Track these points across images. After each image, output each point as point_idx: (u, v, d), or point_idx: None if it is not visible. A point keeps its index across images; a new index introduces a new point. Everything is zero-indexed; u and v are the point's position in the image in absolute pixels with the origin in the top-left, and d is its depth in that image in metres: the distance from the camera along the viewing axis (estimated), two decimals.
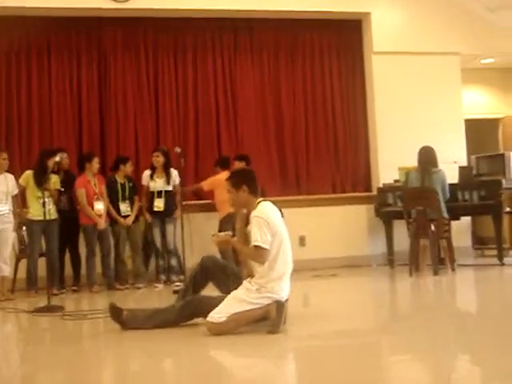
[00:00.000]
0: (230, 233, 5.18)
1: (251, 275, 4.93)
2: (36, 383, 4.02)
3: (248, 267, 5.02)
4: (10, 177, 7.56)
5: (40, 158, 7.70)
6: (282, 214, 5.12)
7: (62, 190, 7.71)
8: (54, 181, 7.56)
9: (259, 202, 4.92)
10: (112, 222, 8.04)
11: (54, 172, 7.61)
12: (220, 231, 7.95)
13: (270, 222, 4.77)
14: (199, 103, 9.15)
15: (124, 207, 8.03)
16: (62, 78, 8.82)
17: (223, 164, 8.53)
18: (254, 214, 4.81)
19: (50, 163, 7.56)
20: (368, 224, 9.26)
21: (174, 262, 8.04)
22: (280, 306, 4.77)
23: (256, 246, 4.74)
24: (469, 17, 9.62)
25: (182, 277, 7.67)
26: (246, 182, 4.95)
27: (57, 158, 7.20)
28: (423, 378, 3.70)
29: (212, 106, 9.17)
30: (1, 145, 8.40)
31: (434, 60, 9.53)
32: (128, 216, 8.04)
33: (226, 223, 7.82)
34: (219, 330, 4.73)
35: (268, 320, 4.77)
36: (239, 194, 4.96)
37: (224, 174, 8.29)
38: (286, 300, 4.89)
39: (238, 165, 8.25)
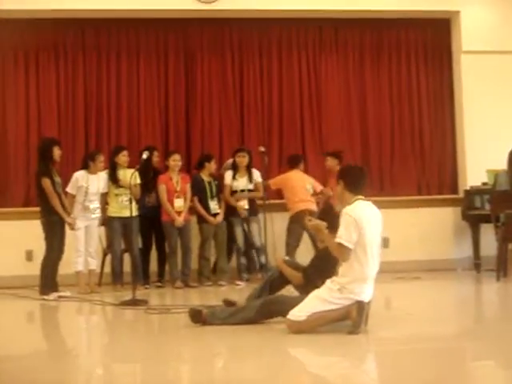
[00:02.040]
0: (326, 224, 5.15)
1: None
2: (117, 374, 4.12)
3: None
4: (103, 176, 7.78)
5: (110, 156, 7.96)
6: None
7: (139, 183, 7.77)
8: (133, 177, 7.47)
9: (356, 199, 4.89)
10: (199, 220, 8.15)
11: (138, 169, 7.65)
12: (288, 230, 8.02)
13: (359, 221, 4.72)
14: (284, 102, 9.19)
15: (213, 205, 8.12)
16: (149, 78, 9.04)
17: (290, 162, 8.49)
18: (344, 210, 4.80)
19: (118, 160, 7.78)
20: (454, 227, 9.04)
21: (263, 259, 8.09)
22: (361, 306, 4.72)
23: (339, 243, 4.72)
24: None
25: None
26: (343, 178, 4.99)
27: (144, 156, 7.35)
28: None
29: (296, 105, 9.19)
30: (87, 141, 8.72)
31: None
32: (217, 214, 8.13)
33: (295, 222, 7.84)
34: (299, 329, 4.74)
35: (348, 320, 4.74)
36: (337, 187, 5.06)
37: (292, 173, 8.31)
38: (369, 302, 4.83)
39: (331, 161, 8.34)
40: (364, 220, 4.76)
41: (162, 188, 7.97)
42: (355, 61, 9.38)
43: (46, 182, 7.14)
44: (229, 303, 5.67)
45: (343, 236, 4.70)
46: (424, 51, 9.49)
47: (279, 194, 8.89)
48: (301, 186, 8.21)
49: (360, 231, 4.72)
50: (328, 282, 4.84)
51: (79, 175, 7.62)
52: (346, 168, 5.27)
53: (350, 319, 4.72)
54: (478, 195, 8.60)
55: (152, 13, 8.76)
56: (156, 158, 8.21)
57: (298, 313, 4.77)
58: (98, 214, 7.68)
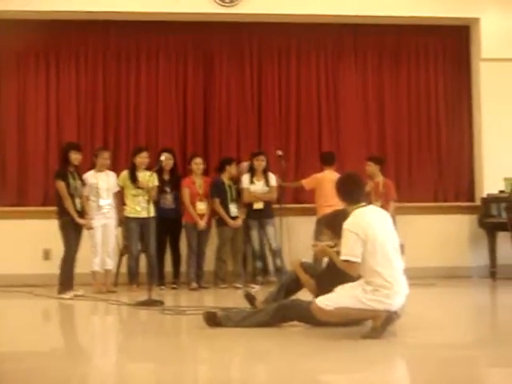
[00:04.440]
0: (331, 243, 5.18)
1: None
2: (132, 374, 4.15)
3: None
4: (112, 174, 7.90)
5: (130, 157, 8.07)
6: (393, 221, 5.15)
7: (157, 185, 7.85)
8: (151, 179, 7.61)
9: (357, 207, 4.90)
10: (218, 222, 8.19)
11: (156, 171, 7.64)
12: (315, 232, 7.98)
13: (362, 232, 4.71)
14: (301, 107, 9.20)
15: (233, 208, 8.16)
16: (168, 80, 9.08)
17: (326, 160, 8.43)
18: (344, 226, 4.80)
19: (136, 161, 7.86)
20: (470, 235, 9.01)
21: (279, 262, 8.11)
22: (389, 318, 4.74)
23: (345, 260, 4.74)
24: None
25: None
26: (339, 190, 5.07)
27: (161, 158, 7.46)
28: None
29: (314, 109, 9.19)
30: (107, 144, 8.78)
31: None
32: (236, 217, 8.15)
33: (322, 224, 7.82)
34: (322, 316, 4.81)
35: (369, 322, 4.78)
36: (340, 200, 5.10)
37: (325, 174, 8.25)
38: (395, 312, 4.82)
39: (373, 167, 8.30)
40: (367, 227, 4.75)
41: (186, 191, 8.04)
42: (374, 67, 9.37)
43: (60, 185, 7.33)
44: (250, 297, 5.77)
45: (347, 252, 4.72)
46: (443, 58, 9.46)
47: (296, 197, 8.93)
48: (332, 189, 8.11)
49: (366, 240, 4.70)
50: (362, 281, 4.80)
51: (87, 174, 7.75)
52: (339, 180, 5.23)
53: (373, 322, 4.74)
54: (494, 203, 8.59)
55: (172, 16, 8.80)
56: (169, 160, 8.12)
57: (327, 302, 4.79)
58: (112, 213, 7.77)
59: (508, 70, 9.09)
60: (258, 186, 8.23)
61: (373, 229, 4.77)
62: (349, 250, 4.71)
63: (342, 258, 4.74)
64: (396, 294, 4.76)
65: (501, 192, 8.65)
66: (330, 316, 4.78)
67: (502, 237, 8.37)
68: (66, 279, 7.28)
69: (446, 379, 3.77)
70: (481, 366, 4.26)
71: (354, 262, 4.70)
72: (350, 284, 4.83)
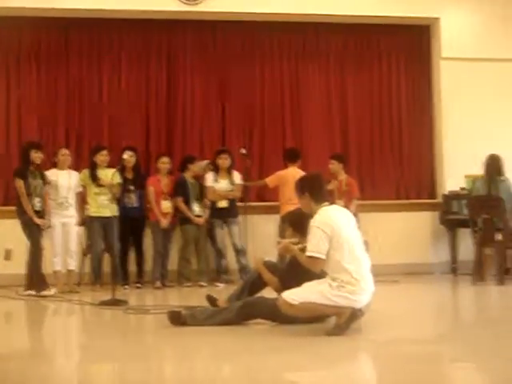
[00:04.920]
0: (296, 240, 5.19)
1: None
2: (96, 374, 4.11)
3: None
4: (74, 174, 7.86)
5: (90, 155, 8.04)
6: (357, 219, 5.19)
7: (120, 182, 7.80)
8: (114, 176, 7.51)
9: (322, 206, 4.93)
10: (181, 221, 8.16)
11: (119, 169, 7.65)
12: (280, 229, 7.99)
13: (327, 228, 4.73)
14: (265, 106, 9.23)
15: (195, 207, 8.14)
16: (131, 79, 9.04)
17: (289, 157, 8.41)
18: (311, 223, 4.82)
19: (97, 159, 7.84)
20: (432, 231, 9.14)
21: (244, 260, 8.11)
22: (354, 315, 4.76)
23: (310, 256, 4.75)
24: None
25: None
26: (308, 189, 5.00)
27: (124, 156, 7.46)
28: None
29: (278, 108, 9.23)
30: (69, 143, 8.70)
31: (507, 67, 9.31)
32: (200, 216, 8.13)
33: (286, 222, 7.84)
34: (288, 311, 4.81)
35: (331, 318, 4.82)
36: (302, 200, 5.06)
37: (288, 170, 8.27)
38: (360, 309, 4.84)
39: (337, 165, 8.33)
40: (333, 224, 4.78)
41: (151, 190, 8.03)
42: (336, 66, 9.45)
43: (18, 183, 7.30)
44: (211, 299, 5.75)
45: (312, 248, 4.73)
46: (404, 57, 9.59)
47: (260, 196, 8.95)
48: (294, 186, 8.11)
49: (333, 235, 4.73)
50: (329, 278, 4.81)
51: (49, 172, 7.69)
52: (306, 179, 5.23)
53: (337, 319, 4.77)
54: (455, 200, 8.72)
55: (135, 13, 8.76)
56: (131, 158, 8.04)
57: (292, 296, 4.78)
58: (72, 212, 7.70)
59: (468, 68, 9.25)
60: (223, 184, 8.23)
61: (338, 226, 4.80)
62: (314, 246, 4.73)
63: (308, 254, 4.75)
64: (362, 290, 4.78)
65: (462, 189, 8.79)
66: (295, 310, 4.79)
67: (462, 233, 8.51)
68: (41, 276, 7.25)
69: (410, 375, 3.80)
70: (444, 361, 4.30)
71: (318, 258, 4.72)
72: (318, 280, 4.85)
